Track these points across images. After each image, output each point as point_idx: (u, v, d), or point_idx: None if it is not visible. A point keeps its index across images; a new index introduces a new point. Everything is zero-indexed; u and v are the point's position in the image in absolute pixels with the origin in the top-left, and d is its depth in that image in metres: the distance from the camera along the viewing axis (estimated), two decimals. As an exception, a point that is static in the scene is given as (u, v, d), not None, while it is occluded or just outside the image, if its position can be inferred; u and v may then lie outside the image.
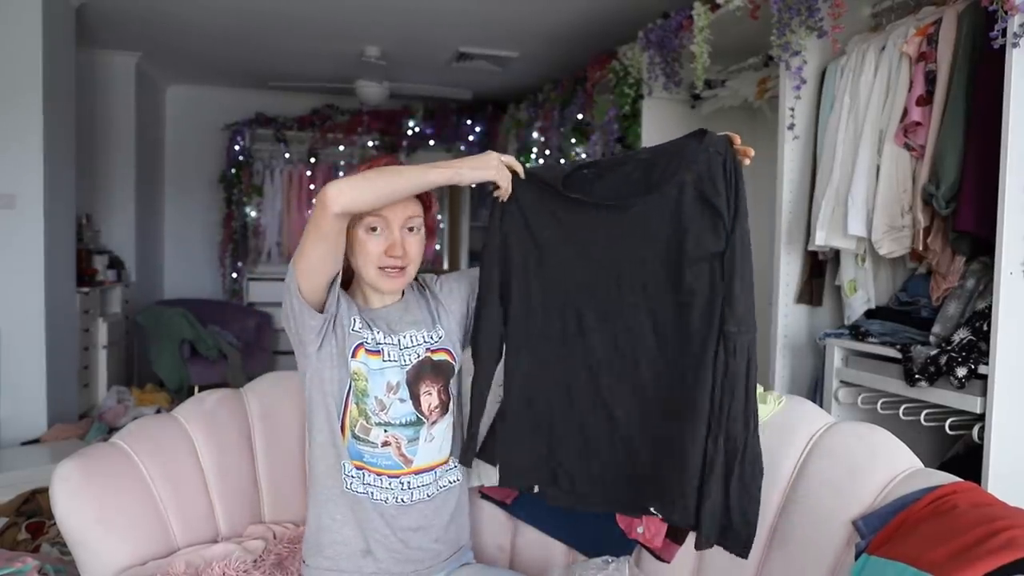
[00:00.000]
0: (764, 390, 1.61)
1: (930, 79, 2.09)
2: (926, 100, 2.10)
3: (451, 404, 1.52)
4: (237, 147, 6.05)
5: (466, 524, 1.60)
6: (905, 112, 2.14)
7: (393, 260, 1.43)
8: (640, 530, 1.61)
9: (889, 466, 1.37)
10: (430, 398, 1.48)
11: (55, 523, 1.74)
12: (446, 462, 1.51)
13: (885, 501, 1.32)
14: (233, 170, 6.05)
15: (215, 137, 6.10)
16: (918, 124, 2.11)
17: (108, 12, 4.31)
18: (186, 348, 5.08)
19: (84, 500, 1.55)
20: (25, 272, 3.64)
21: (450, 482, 1.52)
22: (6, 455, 3.40)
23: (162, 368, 4.99)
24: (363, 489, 1.45)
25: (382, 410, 1.44)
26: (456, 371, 1.54)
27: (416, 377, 1.47)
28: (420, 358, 1.48)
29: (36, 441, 3.65)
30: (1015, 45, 1.76)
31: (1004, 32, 1.78)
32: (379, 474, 1.44)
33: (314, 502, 1.50)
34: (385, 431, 1.45)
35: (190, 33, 4.72)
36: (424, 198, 1.48)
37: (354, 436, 1.45)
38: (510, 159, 1.45)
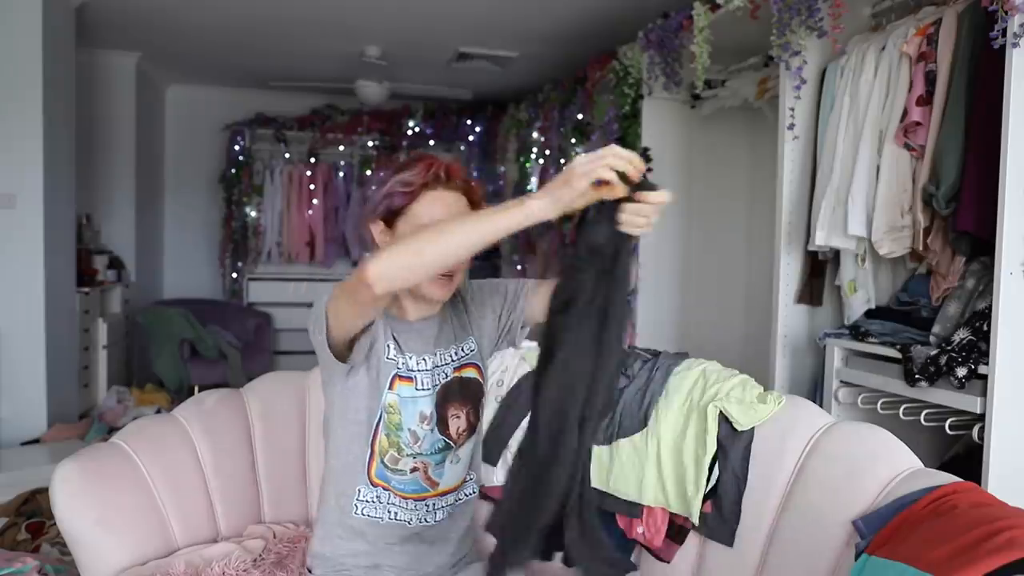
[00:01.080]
0: (764, 390, 1.61)
1: (930, 79, 2.09)
2: (926, 100, 2.09)
3: (478, 426, 1.46)
4: (237, 147, 6.04)
5: (476, 531, 1.58)
6: (905, 112, 2.14)
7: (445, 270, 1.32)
8: (640, 530, 1.62)
9: (889, 466, 1.37)
10: (458, 421, 1.42)
11: (55, 523, 1.74)
12: (466, 479, 1.48)
13: (885, 501, 1.32)
14: (233, 170, 6.04)
15: (215, 137, 6.10)
16: (918, 124, 2.11)
17: (108, 12, 4.31)
18: (186, 348, 5.09)
19: (84, 500, 1.55)
20: (25, 272, 3.64)
21: (467, 495, 1.50)
22: (6, 455, 3.40)
23: (162, 368, 4.99)
24: (379, 512, 1.40)
25: (416, 442, 1.38)
26: (485, 391, 1.47)
27: (444, 399, 1.40)
28: (448, 378, 1.41)
29: (36, 441, 3.65)
30: (1015, 45, 1.76)
31: (1004, 32, 1.78)
32: (404, 498, 1.41)
33: (324, 519, 1.45)
34: (415, 459, 1.40)
35: (190, 33, 4.72)
36: (474, 199, 1.37)
37: (382, 463, 1.39)
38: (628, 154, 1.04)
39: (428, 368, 1.39)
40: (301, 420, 1.92)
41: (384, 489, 1.40)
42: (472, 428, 1.44)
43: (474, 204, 1.37)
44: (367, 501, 1.40)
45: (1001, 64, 1.80)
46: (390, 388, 1.35)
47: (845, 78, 2.38)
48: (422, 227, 1.26)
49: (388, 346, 1.36)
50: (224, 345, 5.25)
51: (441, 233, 1.12)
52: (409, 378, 1.37)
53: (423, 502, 1.42)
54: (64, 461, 1.58)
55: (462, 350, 1.44)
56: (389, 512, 1.41)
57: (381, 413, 1.36)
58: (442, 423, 1.40)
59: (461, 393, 1.42)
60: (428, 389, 1.39)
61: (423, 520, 1.43)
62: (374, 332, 1.33)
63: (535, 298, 1.47)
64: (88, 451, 1.68)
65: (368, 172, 6.26)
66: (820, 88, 2.54)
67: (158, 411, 4.32)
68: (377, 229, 1.36)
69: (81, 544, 1.55)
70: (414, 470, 1.39)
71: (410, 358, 1.38)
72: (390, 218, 1.34)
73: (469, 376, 1.44)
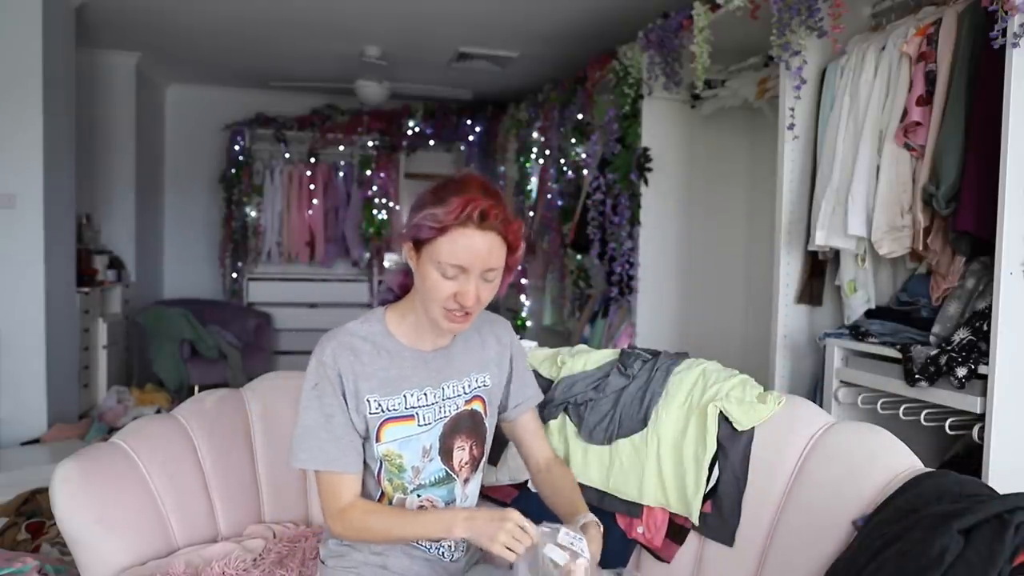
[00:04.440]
0: (764, 390, 1.61)
1: (930, 79, 2.09)
2: (926, 100, 2.09)
3: (482, 462, 1.45)
4: (237, 147, 6.04)
5: None
6: (905, 112, 2.14)
7: (459, 306, 1.28)
8: (640, 530, 1.62)
9: (889, 466, 1.37)
10: (462, 453, 1.40)
11: (55, 523, 1.74)
12: None
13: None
14: (233, 170, 6.05)
15: (215, 137, 6.10)
16: (918, 124, 2.11)
17: (108, 12, 4.31)
18: (186, 348, 5.09)
19: (84, 500, 1.55)
20: (25, 272, 3.64)
21: None
22: (6, 455, 3.40)
23: (162, 368, 5.00)
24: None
25: (416, 476, 1.37)
26: (487, 427, 1.45)
27: (452, 430, 1.39)
28: (458, 410, 1.39)
29: (36, 441, 3.65)
30: (1015, 45, 1.76)
31: (1004, 32, 1.78)
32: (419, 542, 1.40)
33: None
34: (419, 496, 1.38)
35: (190, 33, 4.72)
36: (512, 240, 1.29)
37: (392, 505, 1.39)
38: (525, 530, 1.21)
39: (431, 402, 1.37)
40: (301, 420, 1.92)
41: None
42: (475, 463, 1.43)
43: (511, 246, 1.29)
44: None
45: (1001, 64, 1.80)
46: (378, 440, 1.34)
47: (845, 78, 2.38)
48: (382, 524, 1.32)
49: (369, 402, 1.33)
50: (224, 345, 5.25)
51: (389, 531, 1.32)
52: (410, 416, 1.35)
53: (436, 546, 1.41)
54: (64, 461, 1.58)
55: (475, 381, 1.42)
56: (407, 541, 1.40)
57: (380, 462, 1.36)
58: (446, 454, 1.38)
59: (468, 426, 1.41)
60: (430, 424, 1.36)
61: (442, 556, 1.42)
62: (352, 407, 1.33)
63: (518, 425, 1.53)
64: (88, 451, 1.68)
65: (368, 172, 6.27)
66: (820, 88, 2.54)
67: (158, 411, 4.32)
68: (407, 247, 1.31)
69: (81, 544, 1.55)
70: (421, 508, 1.38)
71: (411, 393, 1.35)
72: (418, 244, 1.28)
73: (476, 409, 1.42)
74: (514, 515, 1.21)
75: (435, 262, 1.25)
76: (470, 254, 1.24)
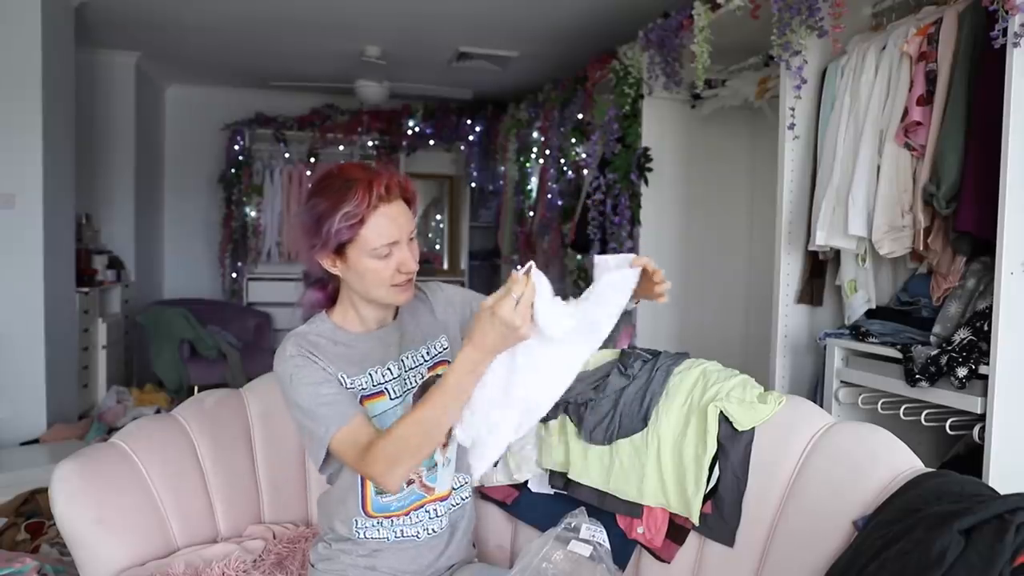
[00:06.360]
0: (764, 390, 1.61)
1: (931, 79, 2.09)
2: (927, 100, 2.09)
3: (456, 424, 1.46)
4: (237, 147, 6.04)
5: (473, 535, 1.58)
6: (906, 112, 2.14)
7: (405, 276, 1.35)
8: (640, 530, 1.61)
9: (889, 466, 1.37)
10: None
11: (54, 523, 1.74)
12: (463, 483, 1.49)
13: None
14: (233, 170, 6.04)
15: (215, 137, 6.10)
16: (918, 124, 2.10)
17: (108, 12, 4.31)
18: (185, 348, 5.08)
19: (83, 500, 1.55)
20: (25, 272, 3.64)
21: (463, 499, 1.49)
22: (6, 455, 3.40)
23: (162, 368, 4.99)
24: (383, 534, 1.41)
25: None
26: None
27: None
28: (423, 378, 1.42)
29: (36, 441, 3.65)
30: (1016, 45, 1.76)
31: (1005, 32, 1.78)
32: (405, 513, 1.41)
33: (330, 530, 1.45)
34: None
35: (190, 33, 4.72)
36: (409, 197, 1.36)
37: (377, 492, 1.39)
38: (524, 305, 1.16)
39: (396, 376, 1.40)
40: (301, 420, 1.91)
41: (384, 517, 1.40)
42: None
43: (409, 202, 1.36)
44: (368, 527, 1.41)
45: (1001, 64, 1.80)
46: None
47: (846, 78, 2.38)
48: (409, 423, 1.23)
49: (343, 378, 1.36)
50: (224, 345, 5.25)
51: (429, 424, 1.22)
52: (380, 393, 1.38)
53: (423, 509, 1.42)
54: (63, 461, 1.58)
55: (434, 348, 1.46)
56: (394, 533, 1.41)
57: None
58: None
59: None
60: (400, 398, 1.39)
61: (429, 531, 1.43)
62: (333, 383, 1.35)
63: None
64: (87, 451, 1.68)
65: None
66: (820, 88, 2.54)
67: (158, 411, 4.31)
68: (328, 262, 1.34)
69: (80, 544, 1.54)
70: (409, 482, 1.40)
71: (375, 371, 1.39)
72: (340, 249, 1.31)
73: (442, 374, 1.43)
74: (501, 309, 1.13)
75: (367, 252, 1.30)
76: (395, 226, 1.31)
